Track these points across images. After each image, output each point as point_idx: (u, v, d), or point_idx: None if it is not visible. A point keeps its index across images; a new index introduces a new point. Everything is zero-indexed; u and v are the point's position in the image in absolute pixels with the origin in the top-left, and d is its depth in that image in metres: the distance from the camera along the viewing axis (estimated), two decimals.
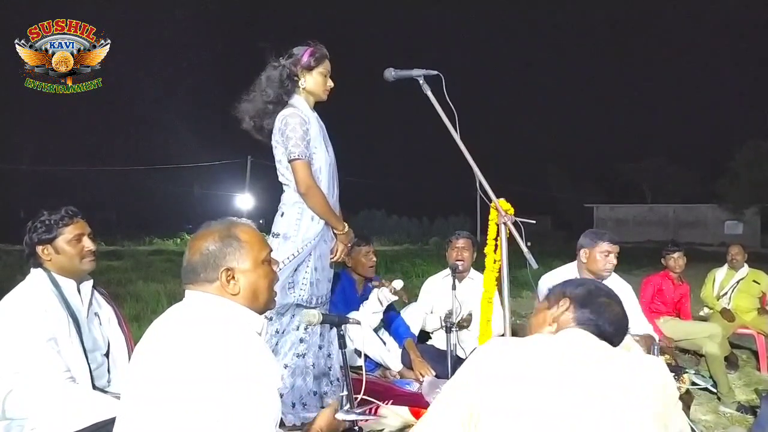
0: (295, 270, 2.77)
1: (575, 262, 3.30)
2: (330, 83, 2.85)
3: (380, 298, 3.68)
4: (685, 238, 29.07)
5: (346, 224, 2.87)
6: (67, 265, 2.14)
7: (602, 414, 1.32)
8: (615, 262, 3.16)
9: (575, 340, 1.48)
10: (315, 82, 2.81)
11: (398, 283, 3.75)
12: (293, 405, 2.80)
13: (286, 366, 2.80)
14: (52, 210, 2.18)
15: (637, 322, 3.19)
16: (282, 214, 2.82)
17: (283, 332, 2.81)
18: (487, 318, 2.69)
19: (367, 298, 3.85)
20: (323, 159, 2.80)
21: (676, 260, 4.69)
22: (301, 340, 2.84)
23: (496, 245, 2.45)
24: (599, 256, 3.11)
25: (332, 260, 2.88)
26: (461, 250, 3.96)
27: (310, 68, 2.79)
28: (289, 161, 2.72)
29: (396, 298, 3.78)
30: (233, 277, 1.42)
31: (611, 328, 1.53)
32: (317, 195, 2.73)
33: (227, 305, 1.41)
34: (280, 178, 2.85)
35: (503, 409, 1.36)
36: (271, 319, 2.78)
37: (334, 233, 2.86)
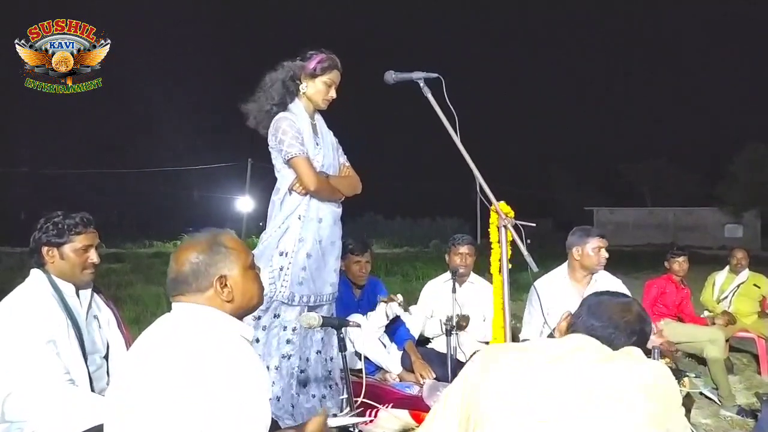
0: (280, 269, 2.70)
1: (565, 264, 3.35)
2: (332, 94, 2.81)
3: (388, 312, 3.64)
4: (684, 241, 28.93)
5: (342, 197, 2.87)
6: (67, 272, 2.13)
7: (597, 415, 1.32)
8: (607, 255, 3.24)
9: (573, 344, 1.48)
10: (316, 89, 2.77)
11: (399, 297, 3.79)
12: (293, 407, 2.77)
13: (277, 368, 2.73)
14: (67, 213, 2.14)
15: None
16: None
17: (266, 327, 2.73)
18: (500, 324, 2.69)
19: (363, 301, 3.84)
20: (315, 164, 2.76)
21: (681, 264, 4.76)
22: (288, 341, 2.77)
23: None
24: (591, 252, 3.21)
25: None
26: (465, 256, 3.95)
27: (314, 75, 2.76)
28: (287, 161, 2.70)
29: (402, 311, 3.77)
30: (226, 284, 1.44)
31: (600, 324, 1.52)
32: (326, 186, 2.74)
33: (216, 315, 1.43)
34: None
35: (500, 413, 1.36)
36: (259, 318, 2.70)
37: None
